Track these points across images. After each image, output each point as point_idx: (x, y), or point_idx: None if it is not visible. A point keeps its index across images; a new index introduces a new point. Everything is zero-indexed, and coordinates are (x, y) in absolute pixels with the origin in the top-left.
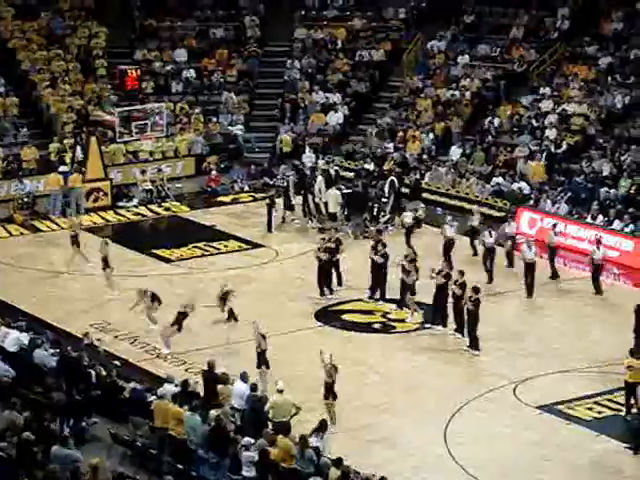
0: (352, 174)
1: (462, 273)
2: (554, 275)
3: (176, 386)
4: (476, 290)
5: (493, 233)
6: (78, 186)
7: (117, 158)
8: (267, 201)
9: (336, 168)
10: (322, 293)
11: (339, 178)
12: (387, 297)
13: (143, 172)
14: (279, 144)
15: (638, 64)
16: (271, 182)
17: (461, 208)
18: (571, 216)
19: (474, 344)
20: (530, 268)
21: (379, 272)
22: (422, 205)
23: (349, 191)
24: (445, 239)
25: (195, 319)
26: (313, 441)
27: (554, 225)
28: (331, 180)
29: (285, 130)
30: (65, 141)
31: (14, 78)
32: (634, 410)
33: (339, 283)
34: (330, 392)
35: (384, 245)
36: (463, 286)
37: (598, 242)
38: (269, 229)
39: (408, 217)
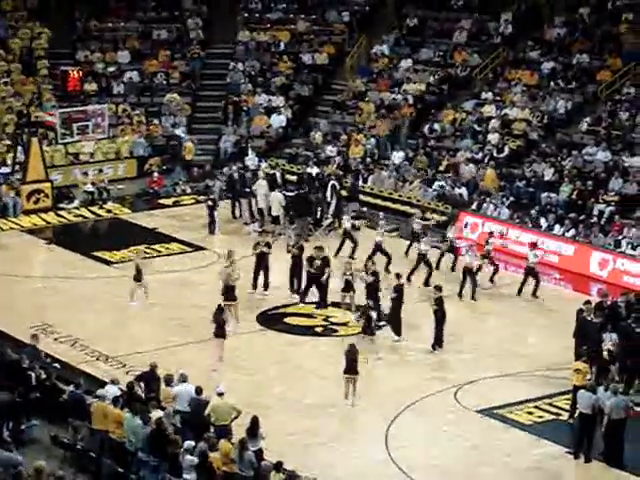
0: (295, 177)
1: (398, 276)
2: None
3: (120, 389)
4: (438, 289)
5: (427, 239)
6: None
7: (59, 160)
8: (209, 203)
9: (274, 171)
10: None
11: (275, 181)
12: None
13: (84, 174)
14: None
15: (580, 69)
16: (212, 184)
17: (403, 212)
18: (512, 220)
19: (438, 343)
20: (469, 272)
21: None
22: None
23: (291, 194)
24: (376, 241)
25: (137, 320)
26: (251, 446)
27: (501, 234)
28: (275, 183)
29: (228, 134)
30: (5, 142)
31: None
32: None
33: (265, 286)
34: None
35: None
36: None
37: (533, 245)
38: (211, 231)
39: (347, 222)
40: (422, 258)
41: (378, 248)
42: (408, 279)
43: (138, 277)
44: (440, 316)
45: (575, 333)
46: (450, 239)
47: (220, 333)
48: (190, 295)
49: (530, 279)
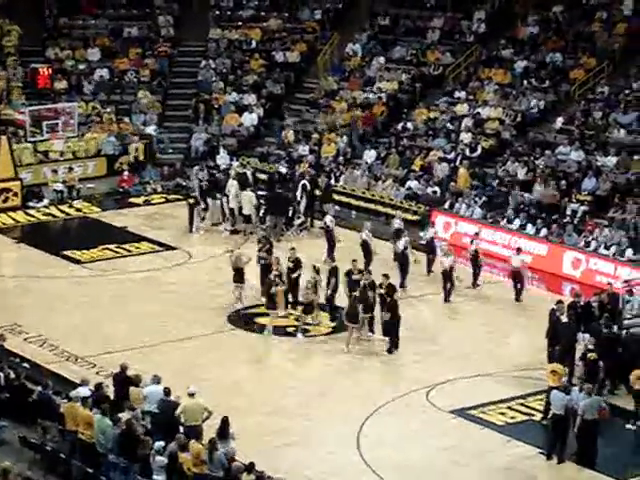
0: (266, 176)
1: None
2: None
3: (90, 389)
4: (393, 289)
5: (404, 239)
6: None
7: (27, 158)
8: (190, 200)
9: (245, 170)
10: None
11: (247, 180)
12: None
13: (54, 172)
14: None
15: (554, 68)
16: (184, 183)
17: (376, 211)
18: (485, 220)
19: (395, 345)
20: (446, 273)
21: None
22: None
23: (264, 193)
24: (361, 242)
25: (107, 321)
26: (221, 446)
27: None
28: (246, 182)
29: (199, 132)
30: None
31: None
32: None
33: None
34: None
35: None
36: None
37: (518, 250)
38: (192, 230)
39: (330, 222)
40: (398, 258)
41: (364, 247)
42: (401, 285)
43: (239, 279)
44: (395, 319)
45: (548, 333)
46: (428, 239)
47: (272, 306)
48: (161, 294)
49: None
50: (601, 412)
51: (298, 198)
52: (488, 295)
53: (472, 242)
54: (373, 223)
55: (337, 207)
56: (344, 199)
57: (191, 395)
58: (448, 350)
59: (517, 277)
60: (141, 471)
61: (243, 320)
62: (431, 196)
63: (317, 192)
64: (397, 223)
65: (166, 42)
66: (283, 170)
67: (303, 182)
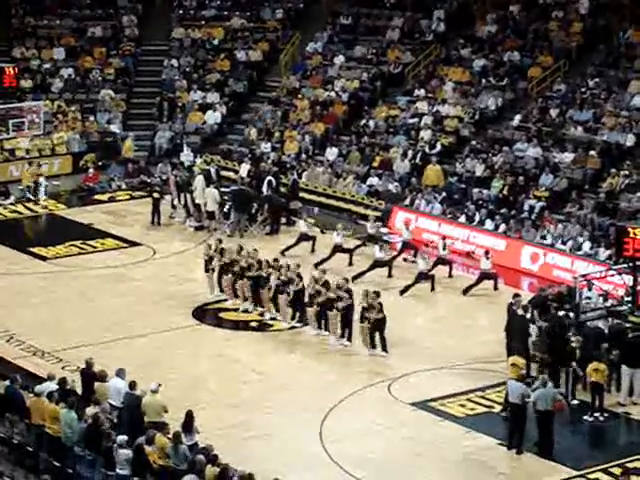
0: (231, 173)
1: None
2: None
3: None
4: (377, 294)
5: (384, 249)
6: None
7: None
8: (154, 195)
9: (209, 167)
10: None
11: (210, 177)
12: None
13: (20, 169)
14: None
15: (511, 66)
16: (149, 180)
17: (338, 208)
18: (444, 216)
19: (384, 346)
20: (423, 276)
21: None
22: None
23: (228, 190)
24: (334, 244)
25: (72, 316)
26: (186, 440)
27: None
28: (210, 179)
29: (163, 130)
30: None
31: None
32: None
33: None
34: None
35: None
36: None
37: (486, 253)
38: (153, 222)
39: (302, 226)
40: (378, 264)
41: (338, 249)
42: (353, 279)
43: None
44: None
45: (506, 327)
46: (407, 241)
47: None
48: (126, 290)
49: (486, 281)
50: (557, 404)
51: (265, 194)
52: (445, 288)
53: (445, 246)
54: (342, 222)
55: (300, 204)
56: (306, 196)
57: (153, 392)
58: (408, 343)
59: (488, 276)
60: (107, 464)
61: (207, 315)
62: (389, 192)
63: (283, 189)
64: (371, 228)
65: (130, 41)
66: (247, 167)
67: (269, 179)
